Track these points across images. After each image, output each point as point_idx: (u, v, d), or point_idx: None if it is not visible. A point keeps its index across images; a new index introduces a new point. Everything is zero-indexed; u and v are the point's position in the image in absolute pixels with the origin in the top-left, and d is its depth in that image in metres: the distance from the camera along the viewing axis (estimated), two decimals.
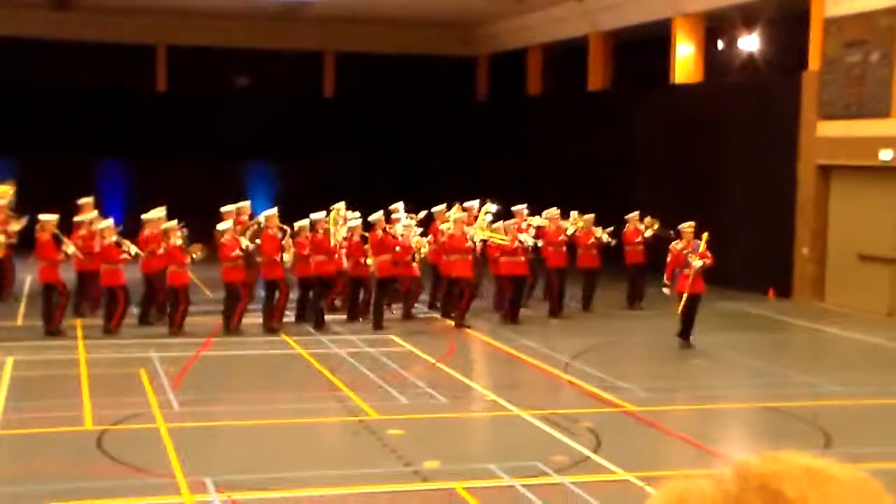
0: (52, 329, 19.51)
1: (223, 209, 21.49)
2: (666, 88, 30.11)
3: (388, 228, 21.45)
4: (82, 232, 20.62)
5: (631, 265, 23.45)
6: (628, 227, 23.43)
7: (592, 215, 23.17)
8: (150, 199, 23.06)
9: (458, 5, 33.67)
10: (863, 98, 23.34)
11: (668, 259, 19.14)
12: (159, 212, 21.09)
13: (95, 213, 21.43)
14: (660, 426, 14.14)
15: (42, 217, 19.79)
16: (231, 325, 20.18)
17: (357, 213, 21.82)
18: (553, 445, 12.96)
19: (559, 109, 35.60)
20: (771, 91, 26.32)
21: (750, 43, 28.88)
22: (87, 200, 22.30)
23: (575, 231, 23.02)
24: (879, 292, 22.70)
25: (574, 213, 23.43)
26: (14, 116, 35.13)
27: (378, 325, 20.83)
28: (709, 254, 18.64)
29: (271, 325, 20.35)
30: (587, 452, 12.64)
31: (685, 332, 18.93)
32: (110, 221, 20.33)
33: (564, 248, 22.87)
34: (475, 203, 23.50)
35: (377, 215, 21.52)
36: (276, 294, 20.50)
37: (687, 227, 19.14)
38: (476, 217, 22.78)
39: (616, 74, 33.91)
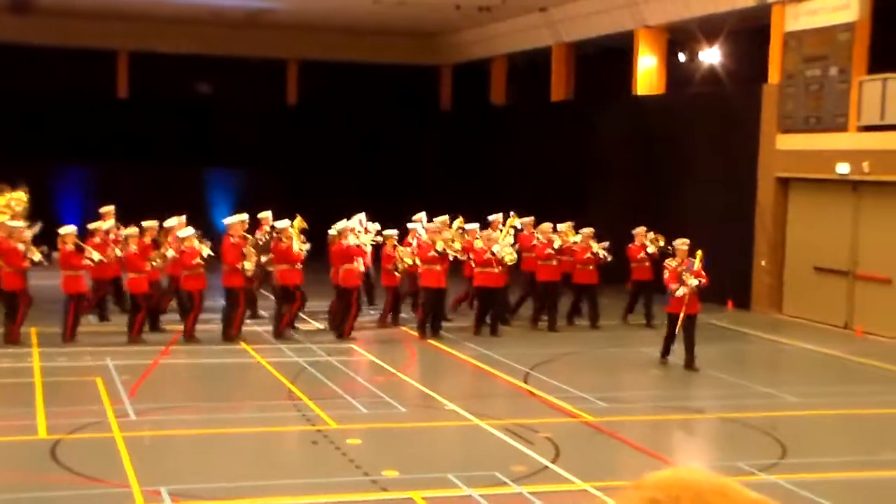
0: (13, 339, 19.29)
1: (169, 221, 21.57)
2: (628, 100, 30.25)
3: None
4: (97, 240, 20.63)
5: (636, 282, 22.76)
6: (633, 243, 22.63)
7: (591, 230, 22.62)
8: (109, 205, 22.90)
9: (422, 14, 33.67)
10: (821, 112, 23.52)
11: (665, 277, 18.34)
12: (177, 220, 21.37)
13: (112, 221, 21.50)
14: (618, 436, 14.17)
15: (8, 222, 19.70)
16: (186, 333, 20.09)
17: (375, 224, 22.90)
18: (512, 455, 12.97)
19: (522, 119, 35.69)
20: (732, 104, 26.48)
21: (711, 56, 29.07)
22: (108, 209, 22.31)
23: (561, 245, 22.19)
24: (836, 304, 22.86)
25: (562, 226, 22.80)
26: None
27: (342, 334, 20.76)
28: (703, 273, 18.07)
29: (229, 333, 20.23)
30: (545, 462, 12.65)
31: (689, 357, 18.18)
32: (72, 228, 20.14)
33: (555, 262, 22.05)
34: (499, 216, 23.13)
35: (342, 225, 21.44)
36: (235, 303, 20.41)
37: (681, 244, 18.51)
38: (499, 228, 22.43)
39: (579, 85, 34.02)
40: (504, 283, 21.38)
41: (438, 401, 15.92)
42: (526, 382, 17.24)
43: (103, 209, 22.28)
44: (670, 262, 18.33)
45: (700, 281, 17.87)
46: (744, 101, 25.82)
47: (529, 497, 11.21)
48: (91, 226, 21.18)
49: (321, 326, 21.79)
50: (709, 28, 27.88)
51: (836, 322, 22.86)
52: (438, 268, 20.92)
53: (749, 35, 26.65)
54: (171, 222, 21.30)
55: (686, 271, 17.89)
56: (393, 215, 23.75)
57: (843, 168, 22.82)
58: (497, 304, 21.43)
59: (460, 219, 23.27)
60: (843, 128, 22.96)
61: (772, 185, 24.95)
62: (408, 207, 24.15)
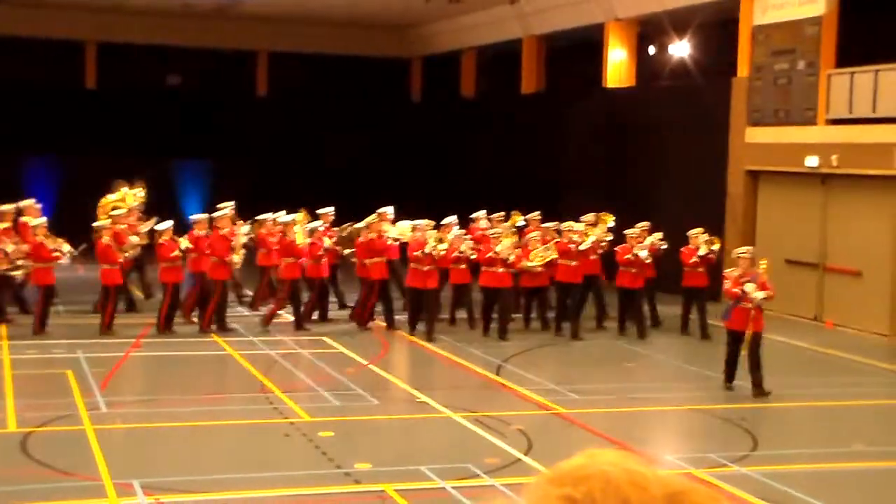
0: (37, 331, 19.46)
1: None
2: (598, 92, 30.29)
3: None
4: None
5: (688, 289, 20.90)
6: (687, 246, 20.76)
7: (635, 230, 21.04)
8: (79, 197, 22.83)
9: (392, 6, 33.65)
10: (790, 105, 23.65)
11: (725, 288, 16.23)
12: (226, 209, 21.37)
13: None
14: (590, 428, 14.21)
15: (32, 222, 20.06)
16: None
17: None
18: (484, 447, 13.00)
19: (493, 112, 35.71)
20: (701, 96, 26.59)
21: (681, 49, 29.16)
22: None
23: (593, 245, 20.89)
24: (806, 296, 22.99)
25: (580, 227, 21.32)
26: None
27: (300, 326, 20.76)
28: (769, 285, 16.03)
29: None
30: (518, 454, 12.69)
31: (757, 380, 15.93)
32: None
33: (574, 263, 20.54)
34: (501, 215, 22.86)
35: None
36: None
37: (744, 252, 16.45)
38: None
39: (549, 78, 34.06)
40: (510, 283, 20.30)
41: (410, 393, 15.94)
42: (498, 375, 17.26)
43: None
44: (731, 272, 16.14)
45: (767, 293, 15.82)
46: (713, 95, 25.92)
47: (503, 489, 11.20)
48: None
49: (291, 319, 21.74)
50: (678, 21, 27.97)
51: (807, 314, 22.99)
52: (426, 268, 20.03)
53: (718, 28, 26.76)
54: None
55: (750, 282, 15.75)
56: (364, 208, 23.64)
57: (811, 161, 22.94)
58: (503, 304, 20.23)
59: (515, 215, 22.86)
60: (811, 121, 23.08)
61: (741, 178, 25.06)
62: (377, 200, 24.04)
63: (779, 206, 24.43)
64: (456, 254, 20.20)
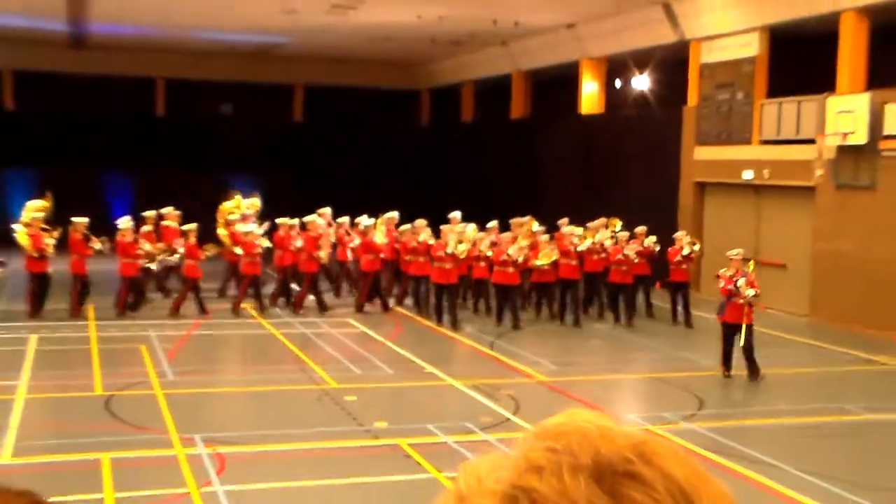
0: (75, 314, 19.36)
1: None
2: (574, 118, 30.33)
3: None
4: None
5: (674, 283, 20.27)
6: (673, 246, 20.11)
7: (626, 233, 20.49)
8: (149, 206, 22.94)
9: (406, 47, 33.68)
10: (730, 129, 23.69)
11: (720, 287, 15.32)
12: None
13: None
14: (567, 393, 14.28)
15: (74, 219, 19.65)
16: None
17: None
18: (480, 409, 13.08)
19: (487, 133, 35.73)
20: (658, 122, 26.61)
21: (642, 82, 29.18)
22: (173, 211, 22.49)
23: (591, 246, 20.26)
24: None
25: (581, 230, 20.77)
26: (40, 137, 34.92)
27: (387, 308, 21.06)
28: (756, 283, 15.26)
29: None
30: (508, 414, 12.78)
31: (752, 368, 15.19)
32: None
33: (575, 262, 20.07)
34: (521, 220, 21.63)
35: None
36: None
37: (735, 254, 15.45)
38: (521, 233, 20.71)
39: (534, 106, 34.08)
40: (519, 281, 19.64)
41: (419, 364, 16.02)
42: (491, 349, 17.34)
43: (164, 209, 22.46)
44: (725, 272, 15.31)
45: (756, 290, 15.04)
46: (667, 120, 25.95)
47: (495, 443, 11.28)
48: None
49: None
50: (640, 59, 28.00)
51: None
52: (448, 266, 19.23)
53: (672, 66, 26.79)
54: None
55: (741, 279, 15.02)
56: (378, 212, 23.66)
57: (747, 174, 22.99)
58: (513, 299, 19.46)
59: (531, 220, 21.84)
60: (747, 142, 23.13)
61: (691, 189, 25.11)
62: (390, 206, 24.09)
63: (721, 211, 24.48)
64: (476, 252, 19.72)
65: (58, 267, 19.88)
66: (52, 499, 1.23)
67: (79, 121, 35.72)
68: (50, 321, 18.84)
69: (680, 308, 20.19)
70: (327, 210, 23.02)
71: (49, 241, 19.19)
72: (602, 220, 21.54)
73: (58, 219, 19.80)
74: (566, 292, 20.12)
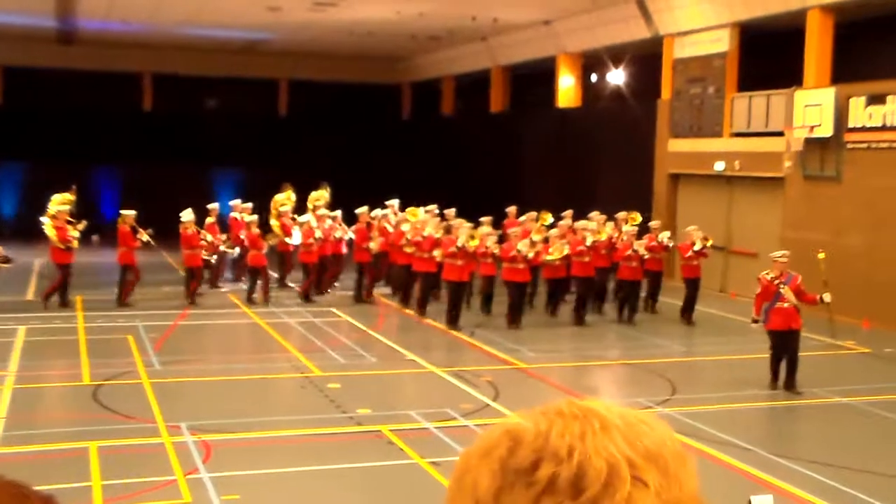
0: (124, 302, 19.60)
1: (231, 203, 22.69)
2: (552, 111, 30.31)
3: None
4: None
5: (686, 280, 19.19)
6: (684, 241, 19.28)
7: (635, 228, 19.40)
8: (135, 198, 22.82)
9: (387, 43, 33.58)
10: (702, 122, 23.73)
11: (758, 291, 13.86)
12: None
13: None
14: (545, 379, 14.29)
15: (122, 212, 20.05)
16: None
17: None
18: (460, 395, 13.06)
19: (467, 127, 35.68)
20: (633, 115, 26.61)
21: (617, 77, 29.19)
22: (214, 206, 22.62)
23: (595, 242, 18.94)
24: (714, 273, 23.06)
25: (592, 224, 19.59)
26: (28, 132, 34.64)
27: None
28: (804, 287, 13.72)
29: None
30: (487, 401, 12.75)
31: (790, 377, 13.68)
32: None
33: (587, 259, 18.86)
34: (533, 214, 21.01)
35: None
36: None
37: (780, 256, 13.90)
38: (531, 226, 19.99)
39: (512, 99, 34.06)
40: (529, 278, 18.47)
41: (401, 352, 15.99)
42: (472, 337, 17.30)
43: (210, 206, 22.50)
44: (766, 274, 13.74)
45: (800, 302, 13.53)
46: (642, 113, 25.96)
47: (475, 428, 11.27)
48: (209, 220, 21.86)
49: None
50: (615, 55, 28.00)
51: (715, 287, 23.10)
52: (459, 262, 17.99)
53: (646, 61, 26.79)
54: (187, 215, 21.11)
55: (784, 284, 13.53)
56: (360, 204, 23.57)
57: (719, 166, 23.04)
58: (522, 296, 18.38)
59: (545, 213, 21.17)
60: (719, 134, 23.18)
61: (665, 180, 25.15)
62: (374, 198, 24.01)
63: (694, 201, 24.52)
64: (483, 248, 18.24)
65: (106, 259, 19.80)
66: (39, 487, 1.18)
67: (67, 116, 35.41)
68: (37, 312, 18.69)
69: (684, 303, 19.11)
70: (395, 202, 22.63)
71: (74, 233, 19.38)
72: (623, 215, 20.59)
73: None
74: (579, 290, 18.93)
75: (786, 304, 13.50)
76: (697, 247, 18.82)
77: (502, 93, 33.91)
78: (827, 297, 14.08)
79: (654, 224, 19.99)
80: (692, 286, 19.07)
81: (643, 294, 19.79)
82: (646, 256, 18.94)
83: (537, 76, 32.18)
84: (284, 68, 38.39)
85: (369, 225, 21.26)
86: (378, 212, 21.78)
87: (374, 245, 20.63)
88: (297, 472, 9.79)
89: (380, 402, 12.68)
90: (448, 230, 19.08)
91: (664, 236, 19.44)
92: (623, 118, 26.91)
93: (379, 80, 39.82)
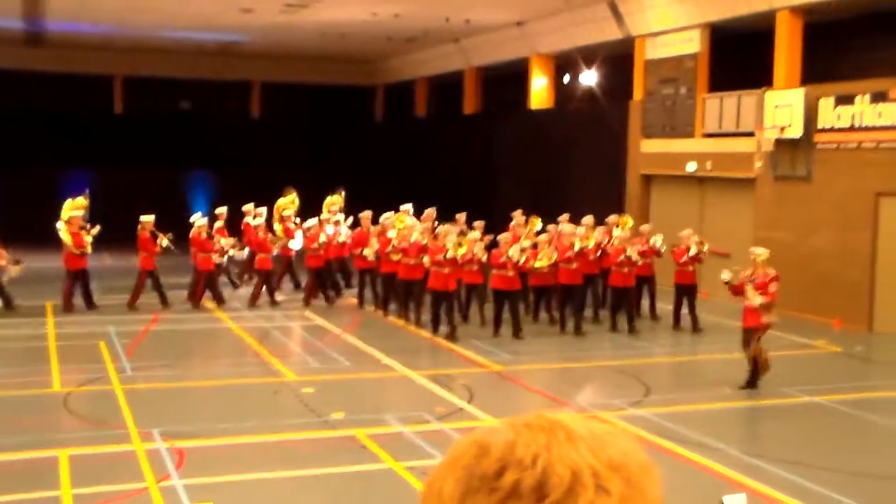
0: (131, 305, 19.82)
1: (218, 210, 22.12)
2: (524, 113, 30.35)
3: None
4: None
5: (678, 286, 18.34)
6: (678, 246, 18.42)
7: (629, 233, 18.86)
8: (107, 203, 22.66)
9: (360, 45, 33.52)
10: (674, 122, 23.82)
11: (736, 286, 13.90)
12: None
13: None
14: (519, 382, 14.30)
15: (142, 218, 20.14)
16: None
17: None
18: (434, 399, 13.05)
19: (441, 128, 35.67)
20: (605, 116, 26.68)
21: (589, 78, 29.27)
22: (221, 210, 22.36)
23: (583, 247, 18.12)
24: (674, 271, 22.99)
25: (580, 229, 18.77)
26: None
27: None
28: (772, 288, 13.45)
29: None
30: (462, 404, 12.74)
31: (751, 375, 13.71)
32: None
33: (574, 265, 17.92)
34: (522, 219, 20.20)
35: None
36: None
37: (760, 253, 13.87)
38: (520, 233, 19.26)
39: (485, 101, 34.08)
40: (519, 286, 17.64)
41: (376, 356, 15.95)
42: (446, 340, 17.25)
43: (218, 210, 22.22)
44: (744, 273, 13.77)
45: (764, 299, 13.37)
46: (614, 114, 26.02)
47: (450, 432, 11.27)
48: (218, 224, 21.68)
49: (279, 298, 21.62)
50: (587, 56, 28.07)
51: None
52: (446, 271, 17.29)
53: (618, 62, 26.87)
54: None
55: (750, 283, 13.48)
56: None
57: (691, 166, 23.14)
58: (513, 306, 17.39)
59: (534, 218, 20.29)
60: (690, 135, 23.28)
61: (638, 180, 25.23)
62: (350, 203, 24.01)
63: (667, 202, 24.61)
64: (470, 255, 17.47)
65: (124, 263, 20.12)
66: (7, 497, 1.16)
67: (36, 119, 35.07)
68: (3, 318, 18.52)
69: (685, 311, 18.29)
70: (409, 206, 22.10)
71: (88, 238, 19.53)
72: (614, 218, 20.13)
73: (22, 218, 19.59)
74: (567, 298, 18.14)
75: (746, 303, 13.61)
76: (693, 251, 18.20)
77: (475, 94, 33.92)
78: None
79: (644, 228, 19.55)
80: (686, 292, 18.21)
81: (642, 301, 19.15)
82: (639, 262, 18.23)
83: (510, 77, 32.20)
84: (257, 70, 38.25)
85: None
86: (389, 215, 20.86)
87: (368, 252, 19.90)
88: (271, 478, 9.75)
89: (354, 406, 12.64)
90: (435, 236, 18.41)
91: (656, 240, 18.95)
92: (595, 119, 26.97)
93: (352, 82, 39.76)
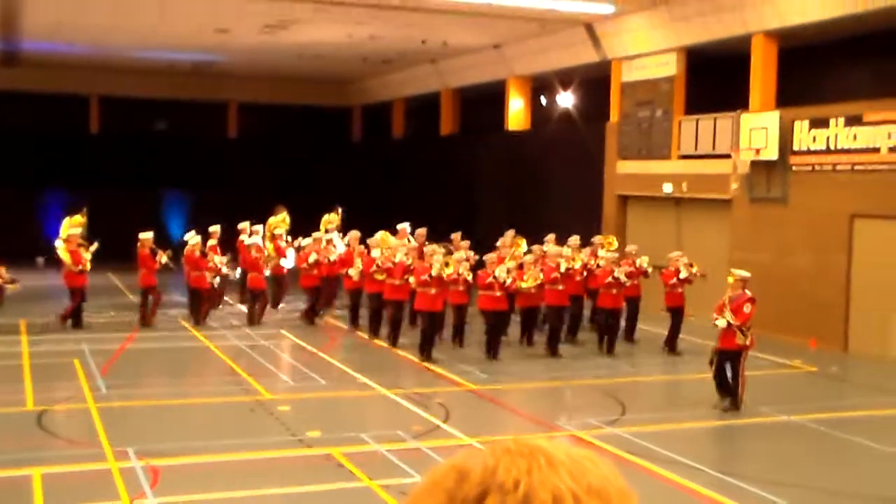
0: (148, 323, 19.88)
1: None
2: (501, 134, 30.46)
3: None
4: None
5: (669, 308, 18.23)
6: (667, 268, 18.30)
7: (615, 254, 18.58)
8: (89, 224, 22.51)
9: (337, 66, 33.58)
10: (651, 144, 23.98)
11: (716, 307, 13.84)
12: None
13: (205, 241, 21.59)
14: (496, 401, 14.29)
15: (141, 235, 20.19)
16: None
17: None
18: (411, 417, 13.02)
19: (418, 149, 35.72)
20: (582, 137, 26.82)
21: (566, 100, 29.43)
22: (215, 229, 22.22)
23: (569, 268, 17.94)
24: (663, 293, 23.15)
25: (566, 250, 18.68)
26: None
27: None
28: (747, 311, 13.41)
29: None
30: (438, 422, 12.71)
31: (733, 397, 13.73)
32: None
33: (561, 287, 17.68)
34: (507, 240, 20.10)
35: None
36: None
37: (738, 275, 13.79)
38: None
39: (462, 122, 34.18)
40: (506, 306, 17.39)
41: (352, 374, 15.90)
42: (422, 359, 17.20)
43: (212, 228, 22.03)
44: (726, 295, 13.69)
45: (733, 322, 13.36)
46: (591, 136, 26.16)
47: (426, 451, 11.25)
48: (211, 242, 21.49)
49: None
50: (564, 78, 28.26)
51: (664, 307, 23.15)
52: (433, 291, 17.05)
53: (594, 84, 27.06)
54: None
55: (727, 306, 13.49)
56: (312, 228, 23.51)
57: (667, 188, 23.29)
58: (499, 327, 17.28)
59: (519, 239, 20.30)
60: (667, 156, 23.44)
61: (614, 201, 25.35)
62: (326, 223, 23.98)
63: (643, 222, 24.74)
64: (455, 275, 17.14)
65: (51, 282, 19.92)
66: None
67: (11, 139, 34.86)
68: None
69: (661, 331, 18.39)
70: (406, 225, 21.74)
71: (87, 255, 19.57)
72: (599, 239, 20.18)
73: None
74: (553, 320, 17.82)
75: (720, 322, 13.56)
76: (683, 274, 17.94)
77: (452, 115, 34.03)
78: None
79: (631, 248, 19.35)
80: (676, 315, 18.05)
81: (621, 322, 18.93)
82: (627, 283, 18.04)
83: (487, 99, 32.33)
84: (234, 90, 38.21)
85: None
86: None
87: (353, 272, 19.54)
88: (247, 497, 9.68)
89: (330, 424, 12.60)
90: (421, 256, 18.17)
91: (643, 261, 18.77)
92: (572, 140, 27.11)
93: (329, 103, 39.79)
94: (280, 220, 23.83)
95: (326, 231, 22.77)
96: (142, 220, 23.88)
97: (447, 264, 17.13)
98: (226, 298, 22.54)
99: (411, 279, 17.65)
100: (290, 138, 38.94)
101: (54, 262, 24.55)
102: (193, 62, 33.84)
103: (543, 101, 31.12)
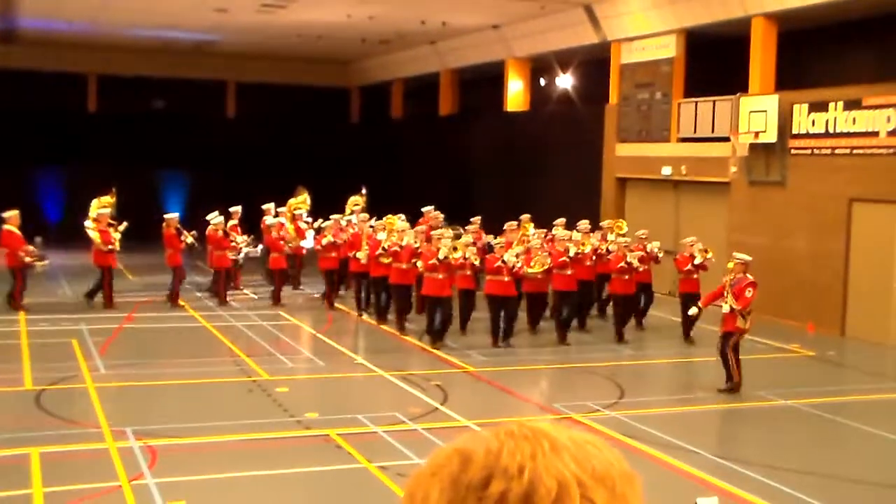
0: (175, 303, 20.05)
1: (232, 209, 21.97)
2: (500, 115, 30.38)
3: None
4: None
5: (683, 294, 17.46)
6: (681, 254, 17.77)
7: (628, 238, 18.30)
8: (81, 200, 22.48)
9: (336, 46, 33.45)
10: (650, 126, 23.93)
11: (715, 290, 13.98)
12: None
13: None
14: (493, 383, 14.29)
15: (166, 215, 20.57)
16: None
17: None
18: (409, 399, 13.01)
19: (416, 130, 35.63)
20: (581, 119, 26.76)
21: (565, 81, 29.34)
22: (237, 209, 22.19)
23: (577, 253, 17.46)
24: (663, 277, 23.15)
25: (575, 234, 18.28)
26: None
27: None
28: (747, 295, 13.40)
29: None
30: (436, 404, 12.71)
31: (729, 379, 13.78)
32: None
33: (569, 272, 17.34)
34: (514, 224, 19.57)
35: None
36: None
37: (738, 260, 13.84)
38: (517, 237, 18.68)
39: (461, 103, 34.09)
40: (514, 291, 16.79)
41: (350, 356, 15.90)
42: (420, 341, 17.24)
43: (233, 209, 21.96)
44: (726, 277, 13.77)
45: (733, 306, 13.41)
46: (590, 118, 26.10)
47: (423, 433, 11.26)
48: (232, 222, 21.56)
49: (255, 297, 21.60)
50: (563, 59, 28.15)
51: (663, 290, 23.15)
52: (441, 276, 16.54)
53: (594, 66, 26.97)
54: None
55: (729, 289, 13.50)
56: (313, 208, 23.52)
57: (666, 170, 23.25)
58: (508, 313, 16.75)
59: (526, 223, 19.87)
60: (666, 139, 23.39)
61: (613, 184, 25.31)
62: (323, 204, 23.98)
63: (642, 205, 24.71)
64: (462, 260, 16.78)
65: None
66: None
67: (9, 116, 34.73)
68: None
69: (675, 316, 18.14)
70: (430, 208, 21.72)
71: (116, 235, 19.77)
72: (608, 223, 19.87)
73: None
74: (561, 305, 17.44)
75: (723, 307, 13.59)
76: (698, 260, 17.34)
77: (451, 96, 33.92)
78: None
79: (641, 233, 18.69)
80: (690, 300, 16.76)
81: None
82: (640, 268, 17.68)
83: (486, 80, 32.22)
84: (232, 70, 38.06)
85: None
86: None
87: (361, 255, 19.15)
88: (244, 477, 9.69)
89: (328, 406, 12.62)
90: (429, 239, 17.76)
91: (654, 246, 18.35)
92: (571, 122, 27.04)
93: (328, 83, 39.65)
94: (300, 202, 24.05)
95: (352, 213, 22.74)
96: (140, 200, 23.85)
97: (455, 248, 16.75)
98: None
99: (419, 263, 17.34)
100: (289, 118, 38.81)
101: (52, 241, 24.62)
102: (192, 41, 33.69)
103: (542, 82, 31.01)
